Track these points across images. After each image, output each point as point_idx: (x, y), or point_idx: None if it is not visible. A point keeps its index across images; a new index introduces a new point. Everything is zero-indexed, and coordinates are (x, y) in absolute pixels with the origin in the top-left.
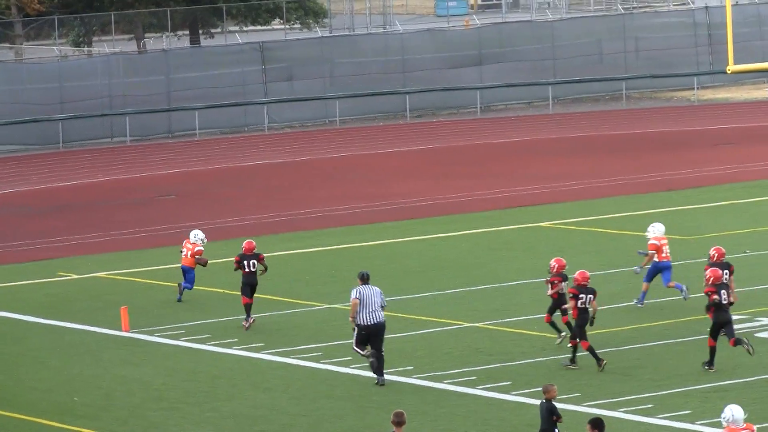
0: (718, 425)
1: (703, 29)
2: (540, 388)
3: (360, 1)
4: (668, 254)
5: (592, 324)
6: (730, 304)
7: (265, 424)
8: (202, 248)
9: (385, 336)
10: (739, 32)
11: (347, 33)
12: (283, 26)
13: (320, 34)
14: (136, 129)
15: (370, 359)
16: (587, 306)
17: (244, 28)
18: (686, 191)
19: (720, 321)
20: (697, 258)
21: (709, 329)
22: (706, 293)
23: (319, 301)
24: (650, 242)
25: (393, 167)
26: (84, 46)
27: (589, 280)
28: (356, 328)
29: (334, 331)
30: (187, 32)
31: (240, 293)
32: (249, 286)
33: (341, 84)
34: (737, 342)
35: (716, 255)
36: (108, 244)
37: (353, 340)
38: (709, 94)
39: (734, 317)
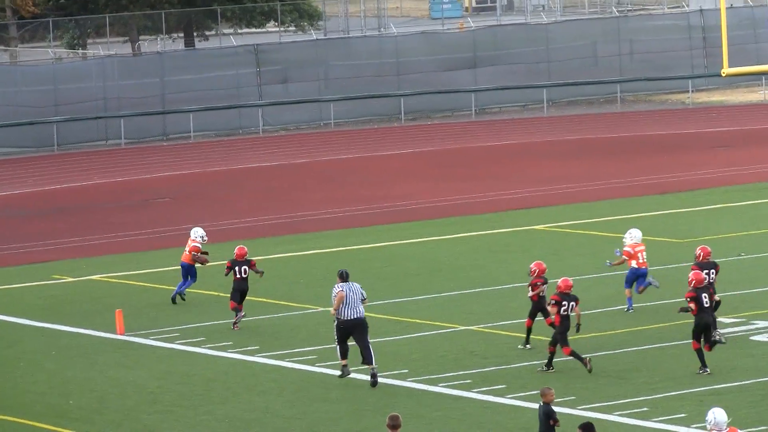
0: None
1: (697, 32)
2: (535, 392)
3: (355, 3)
4: (645, 261)
5: (578, 330)
6: (718, 303)
7: (260, 428)
8: (198, 245)
9: (381, 339)
10: (734, 35)
11: (342, 35)
12: (277, 29)
13: (315, 37)
14: (131, 131)
15: (343, 374)
16: (569, 313)
17: (239, 31)
18: (681, 194)
19: (702, 323)
20: (691, 262)
21: (691, 332)
22: (686, 299)
23: (314, 304)
24: (625, 249)
25: (389, 170)
26: (79, 49)
27: (571, 288)
28: (336, 322)
29: (330, 334)
30: (182, 35)
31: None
32: (239, 292)
33: (336, 86)
34: (712, 346)
35: (702, 254)
36: (103, 247)
37: (335, 337)
38: (703, 97)
39: (730, 320)
